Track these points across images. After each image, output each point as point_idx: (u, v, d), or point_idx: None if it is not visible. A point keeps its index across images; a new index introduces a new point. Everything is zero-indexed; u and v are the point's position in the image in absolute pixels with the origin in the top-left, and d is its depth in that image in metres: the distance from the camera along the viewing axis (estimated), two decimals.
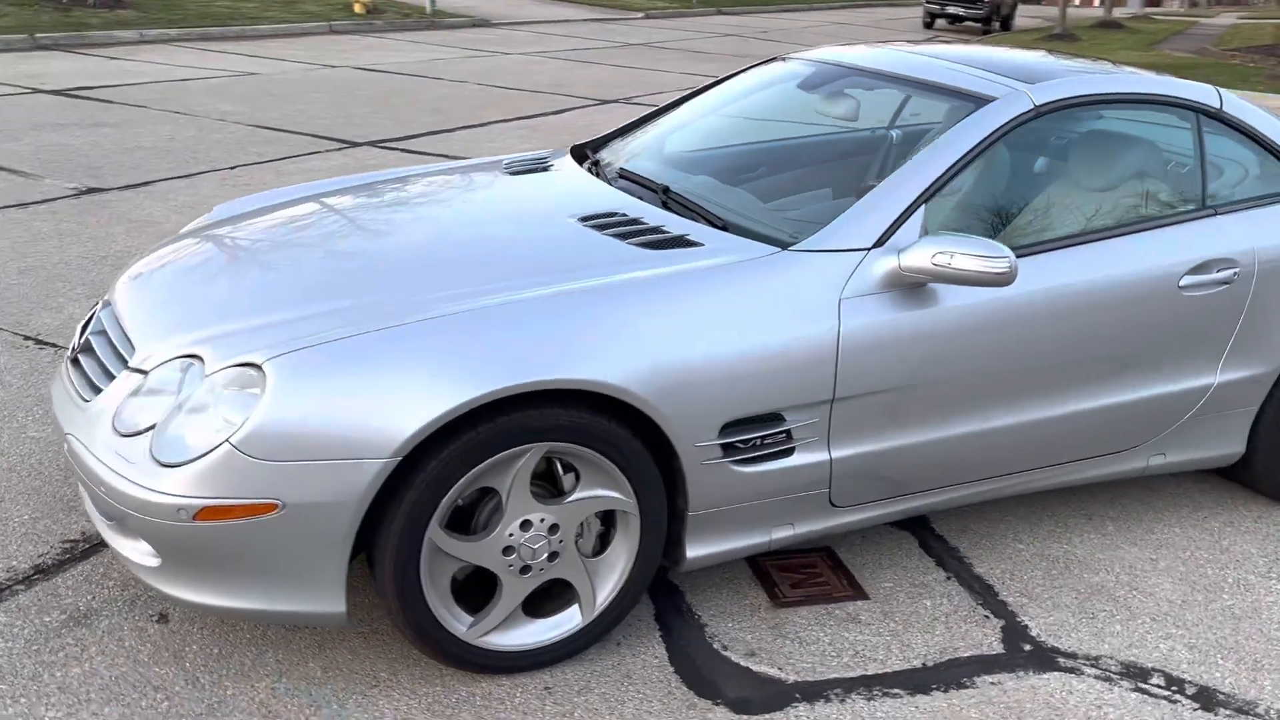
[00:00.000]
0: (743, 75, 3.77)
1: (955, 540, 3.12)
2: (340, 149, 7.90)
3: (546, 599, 2.50)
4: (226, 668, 2.39)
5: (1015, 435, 2.84)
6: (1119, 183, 3.02)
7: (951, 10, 26.38)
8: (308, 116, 9.10)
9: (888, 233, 2.64)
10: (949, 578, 2.92)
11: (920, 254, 2.55)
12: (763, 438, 2.50)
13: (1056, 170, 3.12)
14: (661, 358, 2.34)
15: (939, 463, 2.77)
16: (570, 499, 2.37)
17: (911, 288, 2.61)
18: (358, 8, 17.77)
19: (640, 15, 22.77)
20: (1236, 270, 3.02)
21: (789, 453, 2.55)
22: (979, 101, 2.91)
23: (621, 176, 3.20)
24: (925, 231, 2.66)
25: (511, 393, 2.18)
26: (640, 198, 2.99)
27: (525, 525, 2.33)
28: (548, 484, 2.40)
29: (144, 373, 2.32)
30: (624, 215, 2.84)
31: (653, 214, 2.84)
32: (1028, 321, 2.74)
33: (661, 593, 2.78)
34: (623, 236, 2.69)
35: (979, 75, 3.05)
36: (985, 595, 2.85)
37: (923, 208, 2.68)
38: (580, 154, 3.53)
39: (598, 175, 3.26)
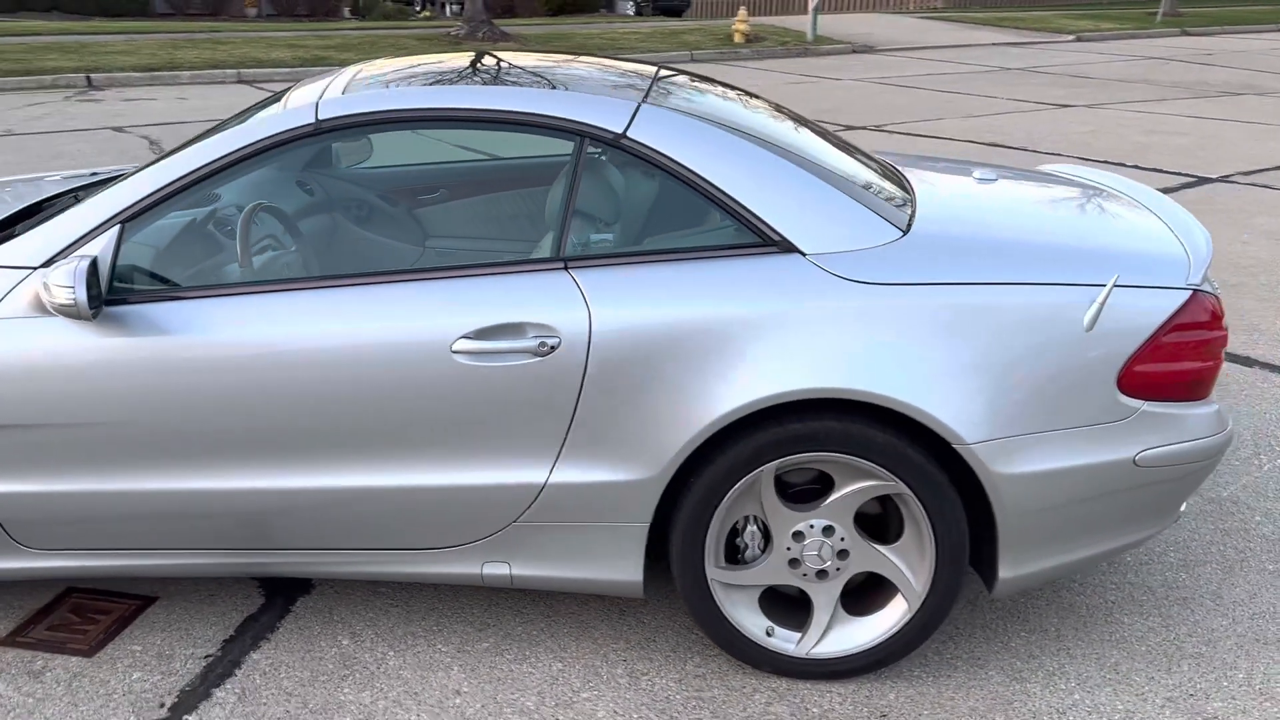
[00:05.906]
0: None
1: (359, 624, 2.68)
2: None
3: None
4: None
5: (239, 504, 2.40)
6: (421, 219, 2.41)
7: None
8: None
9: (65, 251, 2.38)
10: (227, 657, 2.53)
11: (44, 278, 2.28)
12: None
13: (326, 201, 2.56)
14: None
15: (141, 521, 2.43)
16: None
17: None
18: (737, 37, 18.16)
19: (1070, 38, 20.60)
20: (548, 340, 2.25)
21: None
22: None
23: None
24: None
25: None
26: None
27: None
28: None
29: None
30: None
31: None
32: (234, 370, 2.32)
33: None
34: None
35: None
36: (214, 681, 2.44)
37: (118, 227, 2.37)
38: None
39: None
